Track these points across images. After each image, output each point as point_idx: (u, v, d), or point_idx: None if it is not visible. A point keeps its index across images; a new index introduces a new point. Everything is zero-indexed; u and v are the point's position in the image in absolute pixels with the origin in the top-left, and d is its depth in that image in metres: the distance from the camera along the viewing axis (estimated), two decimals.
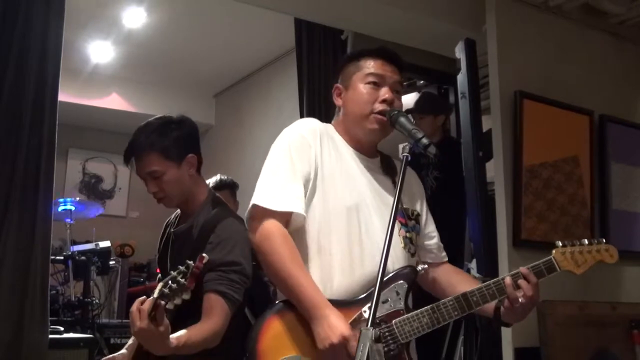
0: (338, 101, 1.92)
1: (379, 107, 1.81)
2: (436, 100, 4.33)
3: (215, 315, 1.85)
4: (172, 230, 2.18)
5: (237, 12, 4.52)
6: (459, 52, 3.40)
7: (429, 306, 1.67)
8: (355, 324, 1.61)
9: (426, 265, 1.81)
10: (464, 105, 3.32)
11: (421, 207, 1.94)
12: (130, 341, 2.17)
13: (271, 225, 1.67)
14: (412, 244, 1.83)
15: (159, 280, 2.20)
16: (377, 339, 1.33)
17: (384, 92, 1.82)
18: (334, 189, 1.76)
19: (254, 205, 1.70)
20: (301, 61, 4.34)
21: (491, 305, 1.75)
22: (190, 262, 1.64)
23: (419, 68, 4.65)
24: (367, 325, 1.34)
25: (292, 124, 1.87)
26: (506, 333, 3.04)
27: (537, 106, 3.28)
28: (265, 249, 1.66)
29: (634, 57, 3.87)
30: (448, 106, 4.36)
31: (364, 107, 1.82)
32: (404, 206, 1.84)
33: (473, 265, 3.24)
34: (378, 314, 1.60)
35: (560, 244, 1.74)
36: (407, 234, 1.82)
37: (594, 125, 3.51)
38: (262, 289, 2.77)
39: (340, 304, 1.63)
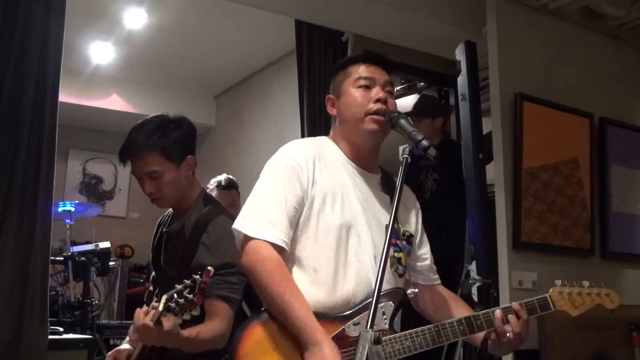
0: (332, 111, 1.90)
1: (373, 107, 1.80)
2: (434, 103, 4.33)
3: (220, 318, 1.87)
4: (164, 229, 2.17)
5: (238, 13, 4.52)
6: (459, 54, 3.41)
7: (412, 330, 1.66)
8: (337, 340, 1.59)
9: (416, 290, 1.81)
10: (464, 108, 3.33)
11: (415, 228, 1.93)
12: (131, 335, 2.16)
13: (264, 250, 1.64)
14: (400, 264, 1.80)
15: (153, 280, 2.21)
16: (377, 341, 1.33)
17: (377, 92, 1.81)
18: (326, 210, 1.73)
19: (246, 236, 1.67)
20: (301, 63, 4.34)
21: (479, 335, 1.74)
22: (197, 277, 1.62)
23: (419, 70, 4.65)
24: (366, 328, 1.34)
25: (283, 146, 1.83)
26: None
27: (537, 108, 3.28)
28: (258, 271, 1.63)
29: (634, 59, 3.87)
30: (446, 109, 4.36)
31: (358, 110, 1.81)
32: (397, 225, 1.82)
33: (473, 267, 3.24)
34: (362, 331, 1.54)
35: (559, 282, 1.74)
36: (396, 254, 1.79)
37: (594, 128, 3.51)
38: None
39: (321, 317, 1.61)
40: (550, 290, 1.74)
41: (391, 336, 1.64)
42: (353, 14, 3.74)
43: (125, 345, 2.08)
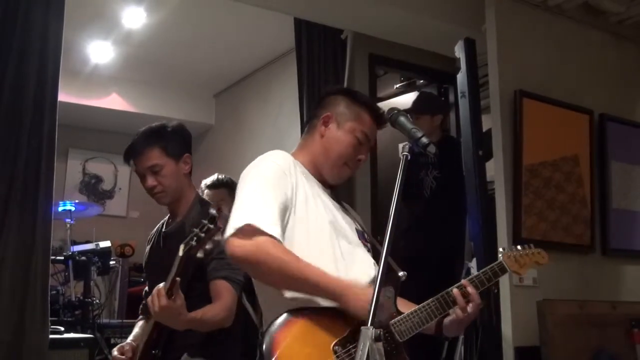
0: (322, 129, 1.94)
1: (354, 163, 1.94)
2: (433, 100, 4.33)
3: (224, 297, 2.04)
4: (163, 230, 2.31)
5: (237, 12, 4.52)
6: (459, 52, 3.41)
7: (417, 306, 1.74)
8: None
9: (406, 273, 1.81)
10: (463, 105, 3.32)
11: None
12: (136, 329, 2.29)
13: (264, 238, 1.66)
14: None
15: (148, 281, 2.27)
16: (377, 338, 1.33)
17: (363, 154, 1.94)
18: (312, 209, 1.81)
19: (247, 224, 1.66)
20: (301, 61, 4.34)
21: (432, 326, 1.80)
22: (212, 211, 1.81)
23: (418, 67, 4.66)
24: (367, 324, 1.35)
25: (264, 155, 1.90)
26: (506, 332, 3.04)
27: (536, 105, 3.28)
28: (262, 257, 1.65)
29: (634, 56, 3.87)
30: (445, 106, 4.36)
31: (343, 157, 1.91)
32: (359, 228, 1.95)
33: (473, 264, 3.24)
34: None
35: (502, 249, 1.92)
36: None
37: (594, 124, 3.51)
38: None
39: (333, 312, 1.66)
40: (500, 256, 1.89)
41: (400, 317, 1.71)
42: (352, 12, 3.73)
43: (129, 340, 2.23)
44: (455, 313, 1.78)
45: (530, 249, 1.95)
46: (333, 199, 1.95)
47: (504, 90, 3.26)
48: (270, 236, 1.66)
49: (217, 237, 1.82)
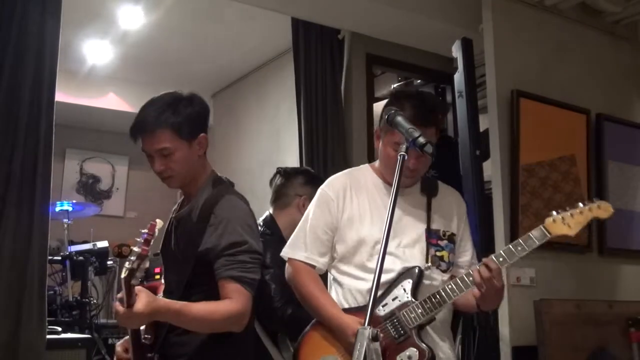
0: (377, 143, 2.11)
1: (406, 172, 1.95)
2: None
3: (232, 300, 1.81)
4: (173, 216, 2.09)
5: (234, 11, 4.51)
6: (456, 51, 3.41)
7: (430, 294, 1.92)
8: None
9: (430, 264, 2.03)
10: (460, 105, 3.33)
11: (457, 227, 2.15)
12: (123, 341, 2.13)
13: (298, 264, 2.09)
14: (443, 261, 2.07)
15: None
16: (374, 338, 1.33)
17: (411, 163, 1.97)
18: (357, 229, 2.06)
19: (289, 258, 2.13)
20: (298, 61, 4.34)
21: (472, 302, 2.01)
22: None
23: (415, 67, 4.66)
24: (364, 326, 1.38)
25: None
26: (504, 332, 3.04)
27: (533, 105, 3.29)
28: (295, 283, 2.08)
29: (630, 55, 3.88)
30: (444, 106, 4.36)
31: (391, 168, 1.93)
32: (435, 228, 2.08)
33: None
34: (389, 309, 1.94)
35: (554, 212, 1.89)
36: (437, 253, 2.06)
37: (591, 124, 3.52)
38: (262, 287, 2.76)
39: (359, 309, 1.97)
40: (545, 220, 1.90)
41: (413, 304, 1.92)
42: (349, 12, 3.74)
43: (118, 349, 2.04)
44: (473, 293, 1.94)
45: (586, 205, 1.90)
46: (421, 192, 2.12)
47: (501, 90, 3.27)
48: (303, 262, 2.07)
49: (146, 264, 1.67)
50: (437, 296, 1.90)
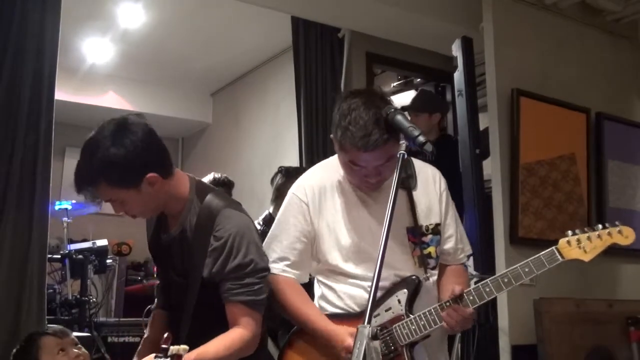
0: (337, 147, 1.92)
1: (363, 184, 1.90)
2: (432, 99, 4.32)
3: (242, 326, 1.76)
4: (163, 235, 1.95)
5: (234, 10, 4.51)
6: (456, 50, 3.41)
7: (425, 310, 1.78)
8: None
9: (417, 265, 1.89)
10: (460, 103, 3.33)
11: (440, 214, 1.97)
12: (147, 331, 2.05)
13: (275, 278, 1.91)
14: (431, 258, 1.93)
15: (160, 276, 2.14)
16: (374, 337, 1.33)
17: (366, 172, 1.83)
18: (336, 233, 1.91)
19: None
20: (298, 59, 4.34)
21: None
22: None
23: (415, 66, 4.66)
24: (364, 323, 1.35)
25: (294, 183, 2.02)
26: (503, 330, 3.04)
27: (533, 104, 3.28)
28: (275, 296, 1.91)
29: (630, 54, 3.87)
30: (444, 105, 4.36)
31: (354, 179, 1.90)
32: (419, 223, 1.92)
33: (470, 263, 3.23)
34: (381, 321, 1.81)
35: (570, 232, 1.72)
36: (424, 251, 1.91)
37: (591, 123, 3.52)
38: None
39: (353, 316, 1.85)
40: (559, 241, 1.73)
41: (407, 319, 1.78)
42: (349, 11, 3.73)
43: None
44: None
45: (606, 228, 1.71)
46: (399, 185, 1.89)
47: (501, 89, 3.27)
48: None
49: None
50: (434, 313, 1.77)
